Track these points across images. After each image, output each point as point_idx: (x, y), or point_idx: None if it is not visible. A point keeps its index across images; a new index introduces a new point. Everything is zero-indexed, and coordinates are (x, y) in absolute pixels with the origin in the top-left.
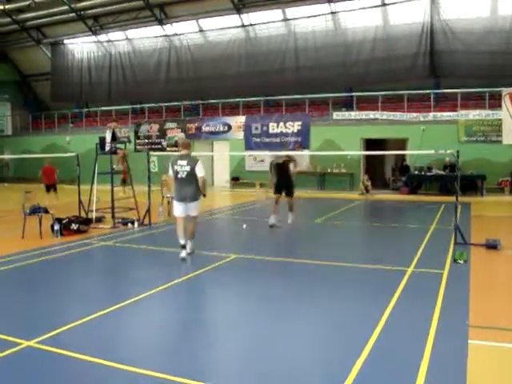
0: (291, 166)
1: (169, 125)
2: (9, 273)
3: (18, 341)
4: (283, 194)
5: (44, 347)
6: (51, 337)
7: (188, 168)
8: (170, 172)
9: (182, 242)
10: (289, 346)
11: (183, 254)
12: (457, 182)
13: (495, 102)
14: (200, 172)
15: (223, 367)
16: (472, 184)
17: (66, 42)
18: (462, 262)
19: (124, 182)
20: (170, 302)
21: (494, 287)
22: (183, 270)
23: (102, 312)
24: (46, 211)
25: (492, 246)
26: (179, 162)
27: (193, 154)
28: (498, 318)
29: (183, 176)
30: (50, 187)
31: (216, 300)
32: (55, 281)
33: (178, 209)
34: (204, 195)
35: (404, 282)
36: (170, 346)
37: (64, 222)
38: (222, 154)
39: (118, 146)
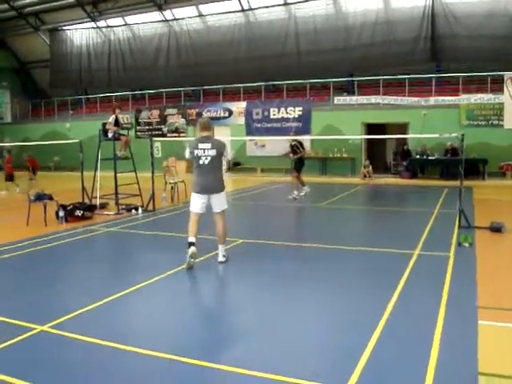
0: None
1: (169, 111)
2: (16, 259)
3: (32, 326)
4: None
5: (57, 331)
6: (63, 321)
7: (213, 152)
8: (188, 155)
9: (191, 239)
10: (300, 328)
11: (191, 250)
12: (461, 165)
13: (497, 86)
14: (228, 156)
15: (233, 348)
16: (474, 168)
17: (64, 28)
18: (467, 245)
19: (11, 179)
20: (178, 287)
21: (500, 269)
22: None
23: (112, 297)
24: (51, 198)
25: (496, 229)
26: (200, 145)
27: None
28: (506, 299)
29: (206, 162)
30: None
31: (224, 284)
32: (63, 267)
33: (197, 203)
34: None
35: (411, 264)
36: (179, 329)
37: (69, 208)
38: (223, 139)
39: (121, 132)
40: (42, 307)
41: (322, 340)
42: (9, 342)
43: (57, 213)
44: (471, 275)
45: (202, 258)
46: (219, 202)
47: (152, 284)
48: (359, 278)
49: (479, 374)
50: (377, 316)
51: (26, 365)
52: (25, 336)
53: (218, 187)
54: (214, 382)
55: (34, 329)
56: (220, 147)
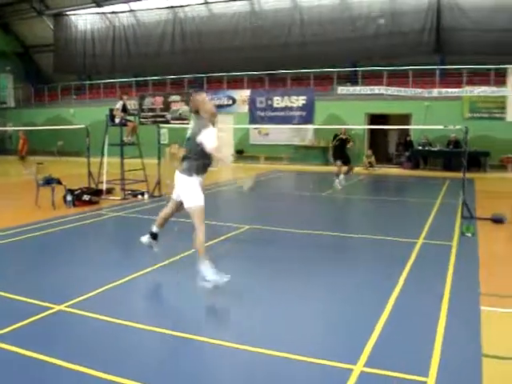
0: (350, 144)
1: (173, 98)
2: (28, 242)
3: (50, 305)
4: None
5: (74, 311)
6: (79, 302)
7: (189, 132)
8: None
9: (154, 229)
10: (307, 314)
11: (145, 238)
12: (463, 157)
13: (500, 79)
14: (207, 141)
15: (240, 328)
16: (475, 160)
17: (69, 13)
18: (469, 234)
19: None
20: (186, 271)
21: (501, 258)
22: None
23: (123, 280)
24: (59, 182)
25: (498, 220)
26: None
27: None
28: (507, 286)
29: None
30: None
31: (232, 269)
32: (74, 250)
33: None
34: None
35: (415, 252)
36: (188, 310)
37: (76, 193)
38: (227, 126)
39: (128, 118)
40: (57, 288)
41: (334, 321)
42: (29, 320)
43: (64, 197)
44: (474, 263)
45: (215, 240)
46: (182, 191)
47: (158, 269)
48: (364, 265)
49: (483, 355)
50: (382, 302)
51: (45, 340)
52: (45, 314)
53: (183, 168)
54: (232, 360)
55: (53, 308)
56: (198, 128)
